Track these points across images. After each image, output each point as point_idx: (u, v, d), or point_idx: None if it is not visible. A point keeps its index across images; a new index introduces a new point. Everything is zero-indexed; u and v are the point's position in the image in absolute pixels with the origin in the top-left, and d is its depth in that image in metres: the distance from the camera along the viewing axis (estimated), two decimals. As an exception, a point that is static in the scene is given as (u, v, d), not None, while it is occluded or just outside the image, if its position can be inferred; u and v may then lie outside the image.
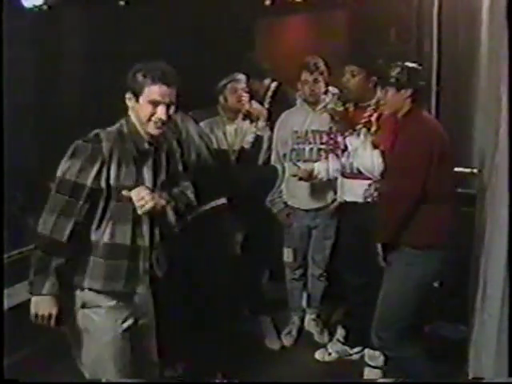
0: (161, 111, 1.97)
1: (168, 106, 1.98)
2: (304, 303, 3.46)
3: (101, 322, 2.03)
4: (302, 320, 3.45)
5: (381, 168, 2.65)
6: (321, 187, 3.16)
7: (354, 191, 2.94)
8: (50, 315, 1.95)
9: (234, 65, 3.27)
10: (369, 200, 2.82)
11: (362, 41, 3.62)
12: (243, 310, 3.45)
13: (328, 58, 3.15)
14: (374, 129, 2.85)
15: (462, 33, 3.27)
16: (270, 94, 3.53)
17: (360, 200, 2.88)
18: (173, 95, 1.99)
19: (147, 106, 1.97)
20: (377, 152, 2.74)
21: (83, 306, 2.03)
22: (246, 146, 3.17)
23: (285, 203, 3.28)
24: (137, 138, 2.02)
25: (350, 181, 2.98)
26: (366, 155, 2.82)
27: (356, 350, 3.17)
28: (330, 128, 3.12)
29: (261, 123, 3.21)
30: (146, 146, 2.03)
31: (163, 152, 2.11)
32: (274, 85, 3.55)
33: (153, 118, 1.98)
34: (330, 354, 3.18)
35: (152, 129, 2.00)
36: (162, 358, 2.27)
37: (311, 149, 3.16)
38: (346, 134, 2.98)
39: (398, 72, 2.43)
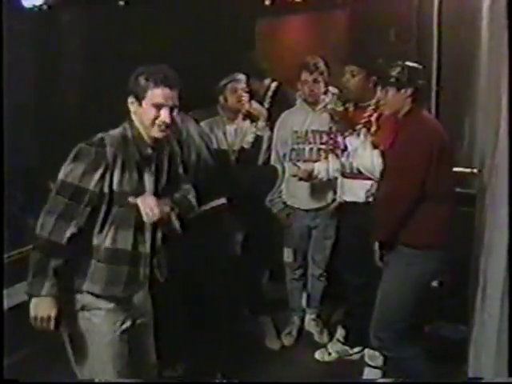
0: (164, 114, 1.96)
1: (171, 109, 1.98)
2: (304, 303, 3.46)
3: (99, 324, 2.02)
4: (302, 320, 3.46)
5: (381, 168, 2.65)
6: (321, 187, 3.16)
7: (354, 191, 2.95)
8: (49, 317, 1.93)
9: (234, 65, 3.27)
10: (370, 200, 2.82)
11: (361, 41, 3.62)
12: (243, 310, 3.45)
13: (328, 57, 3.15)
14: (373, 129, 2.85)
15: (462, 33, 3.27)
16: (270, 94, 3.54)
17: (360, 200, 2.88)
18: (175, 98, 1.99)
19: (150, 110, 1.96)
20: (377, 152, 2.75)
21: (82, 309, 2.02)
22: (246, 146, 3.17)
23: (284, 203, 3.28)
24: (140, 142, 2.01)
25: (349, 181, 2.98)
26: (365, 155, 2.82)
27: (356, 349, 3.18)
28: (330, 128, 3.13)
29: (261, 123, 3.22)
30: (149, 151, 2.02)
31: (165, 156, 2.11)
32: (274, 85, 3.55)
33: (156, 122, 1.97)
34: (329, 353, 3.19)
35: (156, 132, 1.99)
36: (162, 357, 2.27)
37: (311, 149, 3.16)
38: (346, 134, 2.98)
39: (398, 72, 2.43)
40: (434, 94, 3.36)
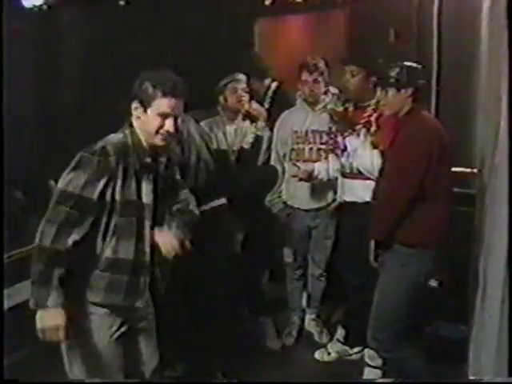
0: (169, 124, 1.95)
1: (175, 118, 1.97)
2: (304, 303, 3.46)
3: (94, 329, 2.01)
4: (302, 320, 3.46)
5: (380, 168, 2.65)
6: (321, 187, 3.16)
7: (354, 191, 2.95)
8: (57, 327, 1.90)
9: (234, 65, 3.27)
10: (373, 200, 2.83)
11: (361, 41, 3.62)
12: (243, 310, 3.45)
13: (328, 57, 3.15)
14: (373, 129, 2.86)
15: (462, 32, 3.27)
16: (270, 93, 3.53)
17: (360, 200, 2.88)
18: (181, 107, 1.98)
19: (156, 119, 1.95)
20: (376, 152, 2.75)
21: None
22: (246, 146, 3.17)
23: (284, 203, 3.28)
24: (140, 150, 1.99)
25: (349, 181, 2.98)
26: (365, 155, 2.82)
27: (356, 349, 3.18)
28: (330, 128, 3.13)
29: (260, 123, 3.22)
30: (148, 159, 2.01)
31: (162, 163, 2.09)
32: (274, 85, 3.55)
33: (161, 131, 1.96)
34: (329, 353, 3.19)
35: (159, 140, 1.98)
36: (162, 357, 2.27)
37: (311, 149, 3.16)
38: (346, 134, 2.99)
39: (398, 72, 2.43)
40: (433, 94, 3.36)
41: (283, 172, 3.26)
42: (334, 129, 3.11)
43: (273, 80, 3.57)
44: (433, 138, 2.40)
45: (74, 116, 4.61)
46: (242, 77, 3.13)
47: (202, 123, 3.01)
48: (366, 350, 3.01)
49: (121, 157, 1.94)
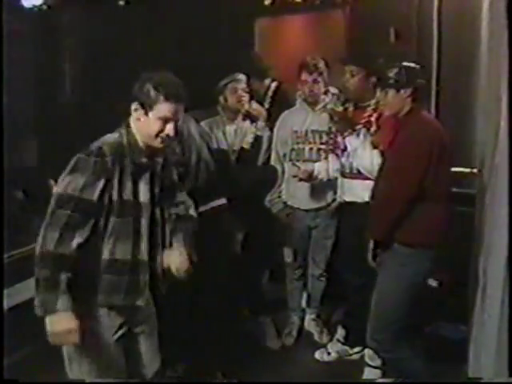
0: (170, 128, 1.95)
1: (176, 122, 1.97)
2: (304, 303, 3.46)
3: (95, 329, 1.99)
4: (302, 320, 3.46)
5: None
6: (321, 187, 3.16)
7: (353, 191, 2.95)
8: (70, 331, 1.87)
9: (234, 65, 3.27)
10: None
11: (361, 41, 3.62)
12: (243, 310, 3.45)
13: (328, 57, 3.15)
14: (373, 129, 2.86)
15: (462, 32, 3.27)
16: (270, 93, 3.54)
17: (360, 200, 2.88)
18: (182, 111, 1.98)
19: (156, 122, 1.94)
20: (376, 152, 2.75)
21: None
22: (246, 147, 3.17)
23: (284, 203, 3.28)
24: (135, 150, 1.98)
25: (349, 181, 2.98)
26: (365, 155, 2.82)
27: (356, 349, 3.18)
28: (330, 128, 3.13)
29: (260, 123, 3.22)
30: (144, 159, 2.00)
31: (159, 164, 2.08)
32: (273, 85, 3.55)
33: (161, 134, 1.96)
34: (329, 353, 3.19)
35: (157, 143, 1.98)
36: (163, 358, 2.27)
37: (311, 149, 3.16)
38: (346, 134, 2.98)
39: (397, 72, 2.43)
40: (433, 94, 3.36)
41: (283, 172, 3.26)
42: (333, 129, 3.11)
43: (273, 80, 3.57)
44: (433, 138, 2.40)
45: (74, 116, 4.61)
46: (241, 77, 3.13)
47: (202, 123, 3.01)
48: (366, 350, 3.01)
49: (117, 157, 1.93)
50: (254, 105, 3.26)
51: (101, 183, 1.90)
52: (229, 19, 3.95)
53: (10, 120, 2.69)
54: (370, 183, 2.76)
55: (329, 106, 3.15)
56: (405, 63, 2.46)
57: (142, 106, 1.94)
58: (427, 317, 3.11)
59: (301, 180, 3.06)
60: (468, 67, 3.20)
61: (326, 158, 3.10)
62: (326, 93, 3.16)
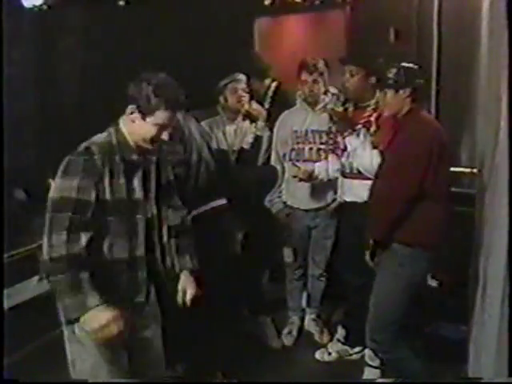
0: (165, 134, 1.96)
1: (172, 127, 1.98)
2: (304, 303, 3.46)
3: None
4: (302, 320, 3.46)
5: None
6: (321, 187, 3.16)
7: (353, 191, 2.95)
8: (109, 323, 1.86)
9: (234, 65, 3.27)
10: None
11: (361, 41, 3.62)
12: (243, 310, 3.45)
13: (328, 57, 3.15)
14: (373, 129, 2.86)
15: (462, 32, 3.27)
16: (270, 93, 3.53)
17: (360, 200, 2.88)
18: (179, 116, 2.00)
19: (153, 128, 1.94)
20: (376, 152, 2.75)
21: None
22: (246, 147, 3.17)
23: (284, 203, 3.28)
24: (125, 148, 1.98)
25: (349, 181, 2.98)
26: (365, 155, 2.82)
27: (356, 349, 3.18)
28: (330, 128, 3.12)
29: (260, 123, 3.21)
30: (135, 157, 1.99)
31: (153, 163, 2.08)
32: (274, 85, 3.55)
33: (155, 139, 1.97)
34: (330, 353, 3.19)
35: (149, 145, 1.99)
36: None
37: (311, 149, 3.16)
38: (346, 134, 2.98)
39: (395, 73, 2.44)
40: (433, 94, 3.36)
41: (283, 172, 3.26)
42: (333, 129, 3.11)
43: (273, 80, 3.57)
44: (432, 138, 2.40)
45: (74, 116, 4.61)
46: (242, 77, 3.13)
47: (202, 123, 3.01)
48: (367, 350, 3.01)
49: (106, 155, 1.93)
50: (254, 105, 3.27)
51: (93, 182, 1.90)
52: (229, 19, 3.94)
53: (10, 120, 2.68)
54: (370, 183, 2.76)
55: (329, 106, 3.15)
56: (404, 64, 2.47)
57: (139, 109, 1.93)
58: (427, 317, 3.11)
59: (301, 180, 3.06)
60: (468, 67, 3.20)
61: (326, 157, 3.10)
62: (325, 93, 3.15)
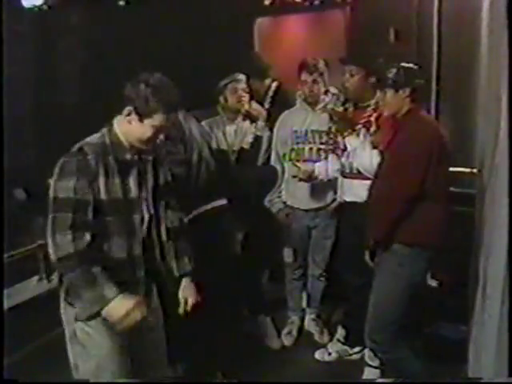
0: (162, 135, 2.00)
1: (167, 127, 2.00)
2: (304, 303, 3.46)
3: (95, 334, 2.00)
4: (302, 320, 3.46)
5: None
6: (321, 187, 3.16)
7: (353, 191, 2.95)
8: (130, 310, 1.89)
9: (234, 65, 3.27)
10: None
11: (361, 41, 3.62)
12: (243, 310, 3.45)
13: (328, 58, 3.15)
14: (373, 129, 2.86)
15: (462, 32, 3.27)
16: (270, 93, 3.53)
17: (360, 200, 2.88)
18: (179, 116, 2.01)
19: (150, 129, 1.95)
20: (376, 152, 2.75)
21: (76, 319, 2.00)
22: (246, 147, 3.17)
23: (284, 203, 3.28)
24: (118, 148, 1.98)
25: (349, 181, 2.98)
26: (364, 155, 2.82)
27: (356, 349, 3.17)
28: (330, 128, 3.12)
29: (260, 123, 3.21)
30: (128, 156, 1.99)
31: (149, 162, 2.07)
32: (274, 84, 3.55)
33: (151, 140, 1.97)
34: (330, 353, 3.19)
35: (144, 146, 1.99)
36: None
37: (311, 149, 3.16)
38: (346, 133, 2.98)
39: (395, 73, 2.44)
40: (433, 94, 3.36)
41: (283, 172, 3.26)
42: (333, 129, 3.11)
43: (273, 80, 3.57)
44: (432, 138, 2.40)
45: (74, 116, 4.61)
46: (242, 77, 3.13)
47: (202, 123, 3.00)
48: (366, 350, 3.01)
49: (100, 156, 1.93)
50: (254, 105, 3.26)
51: (88, 181, 1.90)
52: (229, 19, 3.94)
53: (10, 120, 2.69)
54: (370, 183, 2.77)
55: (329, 106, 3.15)
56: (403, 64, 2.47)
57: (137, 111, 1.93)
58: (427, 317, 3.11)
59: (301, 180, 3.06)
60: (468, 67, 3.20)
61: (326, 157, 3.10)
62: (326, 93, 3.15)
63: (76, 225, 1.88)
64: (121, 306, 1.90)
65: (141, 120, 1.94)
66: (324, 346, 3.26)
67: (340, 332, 3.24)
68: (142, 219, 2.03)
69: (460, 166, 3.07)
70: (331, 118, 3.12)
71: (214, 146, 2.97)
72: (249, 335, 3.30)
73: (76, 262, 1.87)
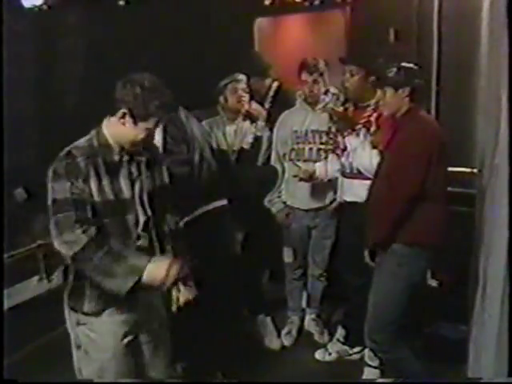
0: (156, 136, 1.99)
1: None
2: (304, 303, 3.46)
3: (97, 338, 2.00)
4: (302, 320, 3.46)
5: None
6: (321, 187, 3.16)
7: (353, 191, 2.95)
8: (167, 270, 1.89)
9: (234, 65, 3.27)
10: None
11: (361, 41, 3.62)
12: (243, 309, 3.45)
13: (328, 57, 3.15)
14: (373, 129, 2.86)
15: (462, 32, 3.27)
16: (271, 93, 3.53)
17: (360, 200, 2.88)
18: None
19: (144, 131, 1.94)
20: (376, 152, 2.75)
21: (78, 323, 2.01)
22: (246, 147, 3.17)
23: (284, 203, 3.28)
24: (107, 150, 1.96)
25: (349, 181, 2.98)
26: (364, 155, 2.83)
27: (356, 349, 3.18)
28: (330, 128, 3.13)
29: (260, 123, 3.22)
30: (117, 158, 1.98)
31: (142, 163, 2.05)
32: (275, 84, 3.55)
33: (143, 141, 1.97)
34: (330, 353, 3.19)
35: (135, 147, 1.99)
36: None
37: (311, 149, 3.16)
38: (346, 133, 2.98)
39: (395, 72, 2.44)
40: (434, 94, 3.36)
41: (283, 172, 3.26)
42: (333, 129, 3.11)
43: (274, 80, 3.57)
44: (431, 138, 2.41)
45: (74, 116, 4.61)
46: (242, 77, 3.13)
47: (202, 123, 3.01)
48: (366, 350, 3.01)
49: (90, 158, 1.92)
50: (254, 105, 3.27)
51: (81, 184, 1.89)
52: (229, 19, 3.94)
53: (10, 120, 2.69)
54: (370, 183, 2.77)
55: (329, 106, 3.15)
56: (403, 63, 2.47)
57: (132, 114, 1.91)
58: (427, 317, 3.11)
59: (301, 180, 3.06)
60: (468, 67, 3.20)
61: (326, 157, 3.10)
62: (326, 93, 3.15)
63: (80, 220, 1.88)
64: (158, 268, 1.90)
65: (135, 122, 1.92)
66: (324, 346, 3.26)
67: (340, 332, 3.24)
68: (138, 221, 2.01)
69: (460, 166, 3.07)
70: (331, 118, 3.12)
71: (214, 146, 2.97)
72: (249, 335, 3.30)
73: (94, 247, 1.87)
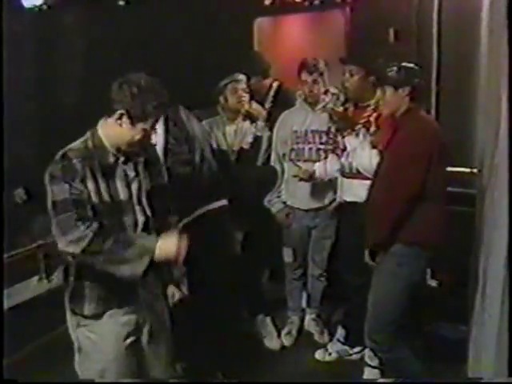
0: (153, 137, 1.98)
1: None
2: (304, 303, 3.46)
3: (98, 340, 2.00)
4: (302, 320, 3.46)
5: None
6: (321, 187, 3.16)
7: (353, 191, 2.95)
8: (177, 245, 1.91)
9: (234, 65, 3.27)
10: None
11: (361, 41, 3.62)
12: (243, 310, 3.45)
13: (328, 57, 3.15)
14: (373, 129, 2.86)
15: (462, 32, 3.27)
16: (272, 93, 3.53)
17: (360, 200, 2.88)
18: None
19: (141, 132, 1.93)
20: (375, 152, 2.75)
21: (78, 325, 2.02)
22: (246, 147, 3.17)
23: (284, 203, 3.28)
24: (102, 152, 1.95)
25: (349, 181, 2.98)
26: (364, 155, 2.82)
27: (356, 349, 3.17)
28: (329, 128, 3.13)
29: (260, 123, 3.22)
30: (112, 159, 1.97)
31: (140, 163, 2.05)
32: (275, 84, 3.55)
33: (140, 142, 1.96)
34: (330, 353, 3.18)
35: (132, 148, 1.98)
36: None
37: (310, 149, 3.16)
38: (345, 133, 2.98)
39: (395, 71, 2.44)
40: (433, 94, 3.36)
41: (283, 172, 3.26)
42: (333, 129, 3.11)
43: (274, 80, 3.57)
44: (431, 138, 2.41)
45: (74, 116, 4.61)
46: (242, 77, 3.13)
47: (203, 123, 3.00)
48: (366, 350, 3.01)
49: (85, 160, 1.92)
50: (254, 105, 3.27)
51: (78, 185, 1.89)
52: (229, 19, 3.95)
53: (10, 120, 2.69)
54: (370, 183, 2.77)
55: (329, 106, 3.14)
56: (403, 63, 2.48)
57: (129, 115, 1.90)
58: (427, 317, 3.11)
59: (301, 180, 3.07)
60: (468, 67, 3.20)
61: (326, 157, 3.10)
62: (326, 93, 3.15)
63: (82, 217, 1.88)
64: (169, 244, 1.92)
65: (132, 123, 1.91)
66: (324, 346, 3.26)
67: (340, 332, 3.24)
68: (136, 222, 2.00)
69: (460, 166, 3.07)
70: (331, 118, 3.12)
71: (214, 146, 2.97)
72: (249, 335, 3.30)
73: (102, 238, 1.87)
